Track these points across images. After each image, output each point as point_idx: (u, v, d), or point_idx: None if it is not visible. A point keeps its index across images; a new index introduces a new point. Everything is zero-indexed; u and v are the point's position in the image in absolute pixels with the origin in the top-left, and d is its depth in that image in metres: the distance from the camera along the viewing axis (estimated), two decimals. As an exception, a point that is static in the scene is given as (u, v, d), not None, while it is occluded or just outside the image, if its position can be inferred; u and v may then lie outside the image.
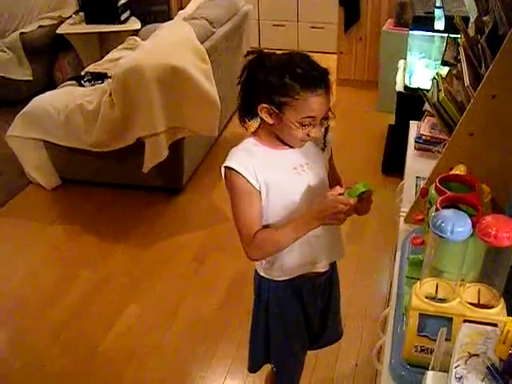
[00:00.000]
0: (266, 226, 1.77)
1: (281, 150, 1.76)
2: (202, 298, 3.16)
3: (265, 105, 1.65)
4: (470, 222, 1.29)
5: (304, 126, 1.66)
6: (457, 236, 1.27)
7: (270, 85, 1.63)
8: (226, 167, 1.71)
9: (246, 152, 1.73)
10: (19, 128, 4.01)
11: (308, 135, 1.69)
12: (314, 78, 1.62)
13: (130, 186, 4.11)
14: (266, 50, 1.74)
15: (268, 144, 1.75)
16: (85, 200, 4.10)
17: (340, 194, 1.63)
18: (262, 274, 1.94)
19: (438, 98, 1.91)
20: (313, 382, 2.58)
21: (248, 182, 1.69)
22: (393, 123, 4.17)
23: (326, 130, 1.80)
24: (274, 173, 1.72)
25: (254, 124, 1.79)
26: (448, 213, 1.31)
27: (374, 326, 2.65)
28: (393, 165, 3.97)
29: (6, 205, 4.09)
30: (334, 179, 1.93)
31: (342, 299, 2.94)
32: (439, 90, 1.95)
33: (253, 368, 2.17)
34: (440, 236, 1.28)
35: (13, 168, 4.27)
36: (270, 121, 1.68)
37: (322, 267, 1.94)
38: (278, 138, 1.74)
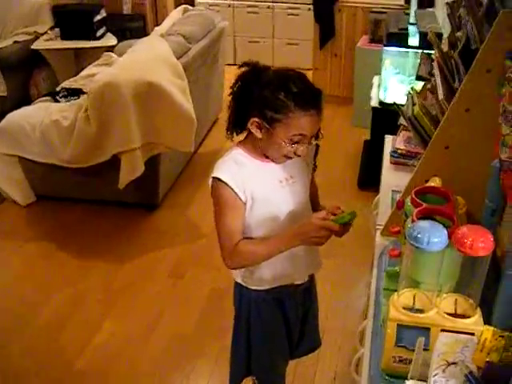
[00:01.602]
0: (248, 237, 1.78)
1: (268, 163, 1.76)
2: (180, 313, 3.14)
3: (256, 119, 1.66)
4: (446, 232, 1.31)
5: (292, 143, 1.66)
6: (433, 246, 1.28)
7: (264, 100, 1.64)
8: (214, 178, 1.72)
9: (235, 163, 1.74)
10: (-6, 144, 3.98)
11: (294, 153, 1.69)
12: (309, 97, 1.63)
13: (106, 202, 4.08)
14: (261, 63, 1.75)
15: (255, 156, 1.75)
16: (60, 216, 4.06)
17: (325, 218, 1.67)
18: (243, 284, 1.94)
19: (412, 112, 1.94)
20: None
21: (235, 194, 1.70)
22: (368, 138, 4.21)
23: (317, 149, 1.86)
24: (260, 185, 1.74)
25: (239, 136, 1.80)
26: (424, 224, 1.33)
27: (352, 339, 2.67)
28: (368, 179, 4.01)
29: (-21, 222, 4.04)
30: (312, 193, 1.95)
31: (320, 313, 2.95)
32: (414, 104, 1.98)
33: (234, 382, 2.16)
34: (416, 247, 1.30)
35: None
36: (258, 135, 1.68)
37: (300, 279, 1.96)
38: (262, 151, 1.74)
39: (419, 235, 1.29)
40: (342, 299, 3.19)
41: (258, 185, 1.73)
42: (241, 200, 1.71)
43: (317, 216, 1.67)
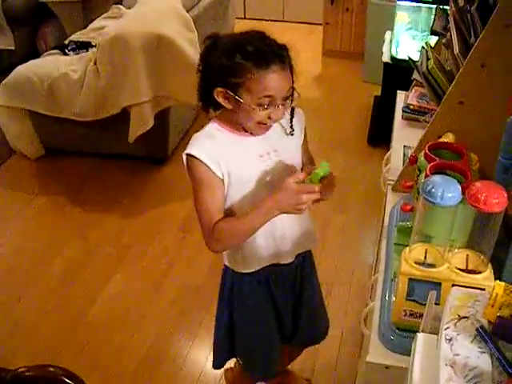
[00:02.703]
0: (230, 215, 1.69)
1: (247, 137, 1.66)
2: (190, 266, 3.17)
3: (220, 89, 1.56)
4: (459, 187, 1.31)
5: (263, 107, 1.54)
6: (447, 201, 1.28)
7: (223, 67, 1.53)
8: (187, 154, 1.61)
9: (209, 138, 1.63)
10: (2, 97, 3.96)
11: (269, 118, 1.57)
12: (267, 54, 1.51)
13: (116, 155, 4.08)
14: (222, 33, 1.64)
15: (232, 130, 1.65)
16: (69, 170, 4.07)
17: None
18: (227, 263, 1.88)
19: (427, 67, 1.92)
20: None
21: (211, 170, 1.60)
22: (379, 94, 4.18)
23: (292, 112, 1.70)
24: (238, 160, 1.63)
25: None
26: (438, 179, 1.33)
27: (361, 295, 2.70)
28: (379, 136, 3.99)
29: (-10, 175, 4.07)
30: (303, 164, 1.82)
31: (329, 268, 2.97)
32: (428, 59, 1.96)
33: (217, 364, 2.11)
34: (430, 201, 1.30)
35: (-3, 137, 4.23)
36: (228, 106, 1.58)
37: (287, 259, 1.86)
38: (238, 124, 1.64)
39: (433, 190, 1.29)
40: (351, 255, 3.21)
41: (235, 159, 1.62)
42: (217, 176, 1.61)
43: (290, 180, 1.55)
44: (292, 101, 1.62)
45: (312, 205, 1.59)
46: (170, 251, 3.28)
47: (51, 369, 1.19)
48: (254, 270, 1.83)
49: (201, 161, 1.59)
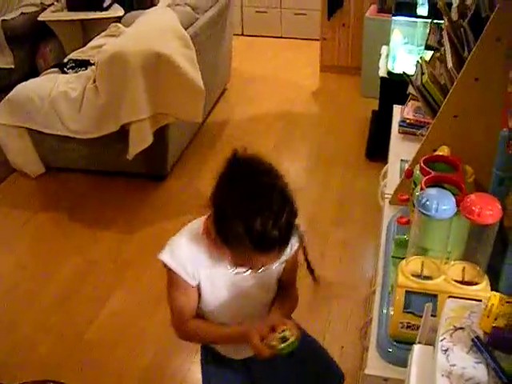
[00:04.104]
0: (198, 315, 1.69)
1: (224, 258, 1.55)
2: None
3: (210, 224, 1.48)
4: (454, 200, 1.32)
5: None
6: (441, 214, 1.30)
7: (224, 219, 1.42)
8: (161, 260, 1.59)
9: (189, 245, 1.58)
10: (2, 115, 3.98)
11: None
12: (272, 240, 1.39)
13: (115, 172, 4.10)
14: (256, 156, 1.48)
15: (212, 242, 1.51)
16: (69, 187, 4.09)
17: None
18: None
19: (421, 81, 1.94)
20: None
21: (185, 280, 1.58)
22: (376, 109, 4.20)
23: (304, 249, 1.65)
24: (211, 277, 1.61)
25: None
26: (433, 191, 1.34)
27: (361, 308, 2.71)
28: (376, 150, 4.01)
29: (-10, 193, 4.08)
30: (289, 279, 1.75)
31: (328, 283, 2.98)
32: (423, 73, 1.98)
33: None
34: (425, 214, 1.31)
35: (-3, 156, 4.25)
36: (214, 236, 1.48)
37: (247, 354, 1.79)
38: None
39: (428, 202, 1.30)
40: (350, 268, 3.22)
41: (210, 273, 1.60)
42: (191, 285, 1.59)
43: (254, 334, 1.51)
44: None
45: None
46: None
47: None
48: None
49: (176, 271, 1.57)
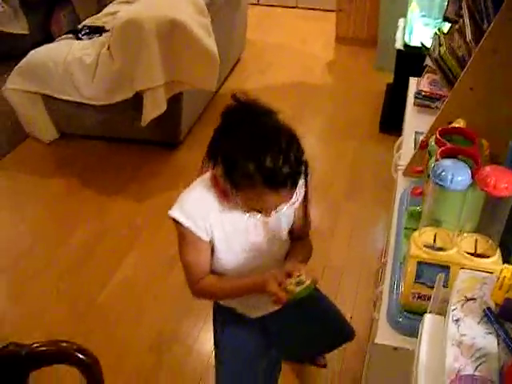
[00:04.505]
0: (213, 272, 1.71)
1: (232, 210, 1.60)
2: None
3: (220, 173, 1.51)
4: (469, 172, 1.32)
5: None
6: (456, 185, 1.30)
7: (233, 162, 1.46)
8: (173, 218, 1.60)
9: (200, 202, 1.60)
10: (17, 81, 3.99)
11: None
12: (283, 176, 1.44)
13: (128, 139, 4.11)
14: (254, 104, 1.53)
15: (221, 197, 1.59)
16: (83, 153, 4.10)
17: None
18: None
19: (439, 53, 1.92)
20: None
21: (197, 235, 1.59)
22: (391, 82, 4.17)
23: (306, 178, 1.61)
24: (223, 231, 1.62)
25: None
26: (448, 162, 1.34)
27: (371, 280, 2.72)
28: (391, 123, 3.98)
29: (4, 158, 4.09)
30: (302, 228, 1.80)
31: (340, 254, 2.99)
32: (440, 45, 1.96)
33: None
34: (440, 185, 1.31)
35: (11, 121, 4.25)
36: (223, 185, 1.53)
37: (260, 313, 1.86)
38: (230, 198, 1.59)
39: (443, 173, 1.30)
40: (362, 241, 3.23)
41: (220, 230, 1.61)
42: (203, 240, 1.61)
43: (272, 277, 1.54)
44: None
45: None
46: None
47: (64, 344, 1.22)
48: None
49: (187, 226, 1.58)
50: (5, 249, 3.30)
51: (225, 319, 1.89)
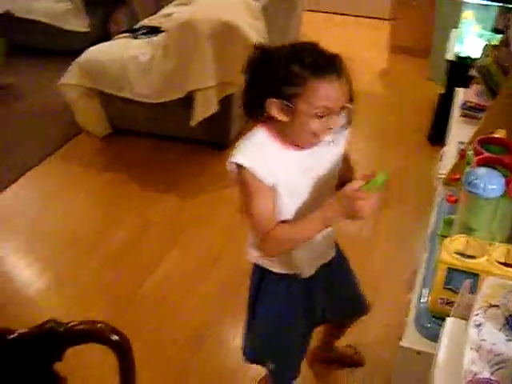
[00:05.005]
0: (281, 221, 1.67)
1: (293, 151, 1.62)
2: (243, 249, 3.23)
3: (274, 99, 1.52)
4: (503, 180, 1.32)
5: (319, 117, 1.52)
6: (488, 193, 1.31)
7: (278, 77, 1.51)
8: (236, 164, 1.57)
9: (258, 147, 1.60)
10: (73, 76, 4.12)
11: (328, 128, 1.56)
12: (325, 63, 1.50)
13: (178, 138, 4.20)
14: (269, 45, 1.61)
15: (278, 140, 1.61)
16: (133, 149, 4.21)
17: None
18: (254, 261, 1.93)
19: (484, 63, 1.92)
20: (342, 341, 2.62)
21: (262, 180, 1.56)
22: (443, 92, 4.14)
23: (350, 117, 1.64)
24: (284, 173, 1.60)
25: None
26: (482, 171, 1.35)
27: (403, 287, 2.70)
28: (439, 133, 3.94)
29: (59, 150, 4.24)
30: (346, 174, 1.78)
31: (379, 260, 2.99)
32: (487, 56, 1.96)
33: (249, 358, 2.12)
34: (471, 192, 1.32)
35: (67, 115, 4.39)
36: (282, 118, 1.54)
37: (310, 271, 1.88)
38: (289, 137, 1.60)
39: (476, 181, 1.31)
40: (400, 247, 3.21)
41: (281, 172, 1.59)
42: (268, 185, 1.58)
43: (346, 188, 1.51)
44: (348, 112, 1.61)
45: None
46: (225, 233, 3.34)
47: (99, 325, 1.28)
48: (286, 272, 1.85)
49: (251, 170, 1.55)
50: (53, 237, 3.42)
51: (273, 288, 1.90)
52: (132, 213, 3.57)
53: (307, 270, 1.86)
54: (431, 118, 4.30)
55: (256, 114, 1.62)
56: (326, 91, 1.50)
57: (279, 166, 1.59)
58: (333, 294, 2.01)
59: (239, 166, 1.56)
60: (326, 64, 1.51)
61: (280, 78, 1.51)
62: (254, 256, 1.89)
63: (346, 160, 1.77)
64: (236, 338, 2.73)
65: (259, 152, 1.58)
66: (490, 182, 1.30)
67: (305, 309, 1.95)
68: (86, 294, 3.00)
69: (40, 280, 3.12)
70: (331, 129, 1.57)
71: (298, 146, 1.62)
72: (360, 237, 3.21)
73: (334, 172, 1.72)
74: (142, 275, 3.09)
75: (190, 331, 2.76)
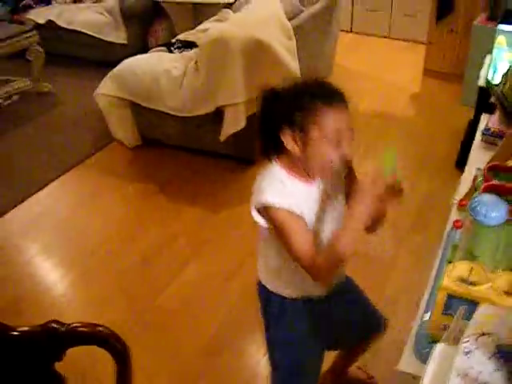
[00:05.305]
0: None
1: (309, 184, 1.68)
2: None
3: (288, 130, 1.58)
4: (506, 208, 1.32)
5: (332, 142, 1.57)
6: (490, 220, 1.30)
7: (289, 108, 1.58)
8: (265, 204, 1.60)
9: (280, 183, 1.64)
10: (107, 87, 4.21)
11: (338, 155, 1.58)
12: (332, 93, 1.59)
13: (206, 152, 4.24)
14: (278, 87, 1.67)
15: (292, 174, 1.66)
16: (161, 161, 4.27)
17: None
18: (264, 284, 1.96)
19: (502, 89, 1.92)
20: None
21: (293, 212, 1.59)
22: (472, 118, 4.11)
23: None
24: (305, 205, 1.64)
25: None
26: (485, 197, 1.35)
27: (412, 312, 2.68)
28: (466, 160, 3.93)
29: (90, 158, 4.34)
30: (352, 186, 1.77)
31: (396, 284, 2.97)
32: (505, 83, 1.96)
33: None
34: (474, 219, 1.32)
35: (101, 124, 4.48)
36: (296, 148, 1.59)
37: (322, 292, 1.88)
38: (303, 169, 1.65)
39: (478, 208, 1.31)
40: (418, 272, 3.18)
41: (302, 203, 1.63)
42: (300, 214, 1.61)
43: (364, 182, 1.57)
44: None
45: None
46: (245, 247, 3.35)
47: (100, 328, 1.31)
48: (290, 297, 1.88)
49: (282, 207, 1.58)
50: (78, 242, 3.51)
51: (280, 311, 1.93)
52: (155, 224, 3.61)
53: (319, 291, 1.86)
54: (460, 143, 4.27)
55: (271, 150, 1.67)
56: (336, 115, 1.57)
57: (300, 199, 1.63)
58: (346, 312, 2.02)
59: (268, 207, 1.60)
60: (334, 94, 1.60)
61: (291, 108, 1.58)
62: (268, 283, 1.96)
63: (351, 173, 1.80)
64: (252, 351, 2.75)
65: (283, 187, 1.63)
66: (492, 210, 1.30)
67: (318, 331, 1.95)
68: (104, 298, 3.05)
69: (63, 281, 3.22)
70: (345, 154, 1.60)
71: (311, 177, 1.67)
72: (381, 258, 3.20)
73: (342, 197, 1.77)
74: (162, 284, 3.13)
75: (205, 342, 2.78)
